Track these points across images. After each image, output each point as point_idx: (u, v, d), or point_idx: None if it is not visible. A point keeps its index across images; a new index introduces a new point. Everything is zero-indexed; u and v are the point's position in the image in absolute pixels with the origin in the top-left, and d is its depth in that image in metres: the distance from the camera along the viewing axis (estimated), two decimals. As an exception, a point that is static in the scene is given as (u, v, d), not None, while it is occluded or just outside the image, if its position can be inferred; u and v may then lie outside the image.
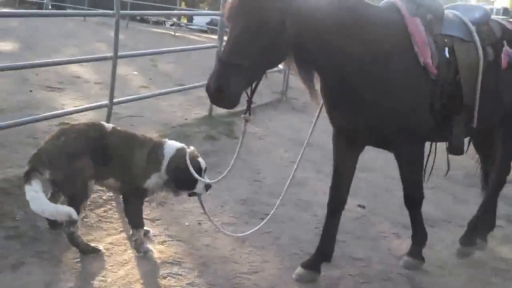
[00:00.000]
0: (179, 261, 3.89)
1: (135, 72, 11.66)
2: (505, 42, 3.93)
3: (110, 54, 5.66)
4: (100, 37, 16.88)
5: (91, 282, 3.49)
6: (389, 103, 3.52)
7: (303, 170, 6.07)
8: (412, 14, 3.59)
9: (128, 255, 3.90)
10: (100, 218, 4.39)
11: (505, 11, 54.47)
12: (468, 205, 5.82)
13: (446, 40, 3.68)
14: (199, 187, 3.94)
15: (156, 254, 3.93)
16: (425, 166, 3.94)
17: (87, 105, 6.37)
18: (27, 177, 3.72)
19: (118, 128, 4.18)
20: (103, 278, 3.55)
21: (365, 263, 4.21)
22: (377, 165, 6.84)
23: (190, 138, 6.54)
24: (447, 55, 3.64)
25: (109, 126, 4.13)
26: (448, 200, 6.09)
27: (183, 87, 8.48)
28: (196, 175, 3.83)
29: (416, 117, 3.63)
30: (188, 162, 3.87)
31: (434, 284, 4.02)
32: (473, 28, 3.83)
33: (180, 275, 3.71)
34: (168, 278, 3.66)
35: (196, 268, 3.83)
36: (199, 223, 4.53)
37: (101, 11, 12.59)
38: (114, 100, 5.82)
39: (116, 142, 3.98)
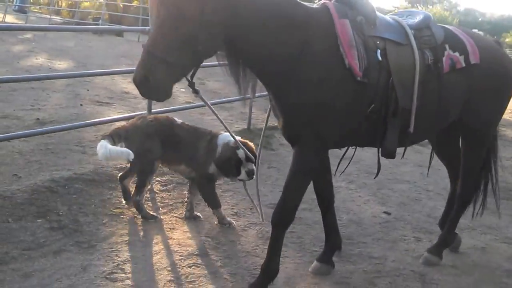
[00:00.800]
0: (205, 254, 4.23)
1: (183, 89, 12.11)
2: (447, 46, 3.86)
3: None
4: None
5: (123, 267, 3.87)
6: (312, 103, 3.39)
7: (336, 180, 6.32)
8: (342, 16, 3.49)
9: (158, 247, 4.26)
10: (135, 215, 4.75)
11: None
12: (496, 215, 5.93)
13: (378, 42, 3.57)
14: (242, 174, 4.57)
15: (184, 248, 4.27)
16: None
17: (126, 115, 6.79)
18: (102, 137, 4.57)
19: (186, 122, 4.90)
20: (135, 265, 3.92)
21: (380, 261, 4.43)
22: (412, 178, 7.05)
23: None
24: (379, 57, 3.53)
25: (178, 120, 4.87)
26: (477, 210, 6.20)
27: (219, 100, 8.88)
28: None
29: (338, 118, 3.49)
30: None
31: (445, 282, 4.20)
32: (410, 31, 3.74)
33: (205, 265, 4.05)
34: (193, 267, 4.00)
35: (219, 260, 4.15)
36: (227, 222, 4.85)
37: (139, 27, 13.16)
38: (152, 111, 6.23)
39: (184, 133, 4.75)
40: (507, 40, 55.81)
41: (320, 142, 3.57)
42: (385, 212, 5.60)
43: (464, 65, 3.89)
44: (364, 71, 3.42)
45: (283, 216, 3.68)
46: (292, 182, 3.63)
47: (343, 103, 3.44)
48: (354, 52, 3.40)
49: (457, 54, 3.89)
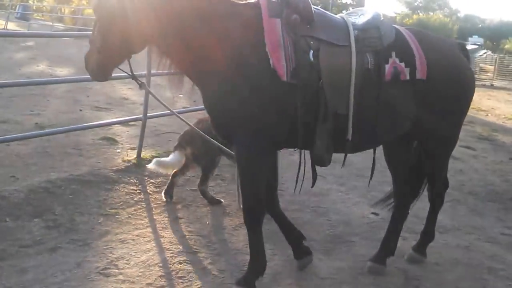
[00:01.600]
0: (195, 251, 4.39)
1: (181, 95, 12.28)
2: (394, 53, 3.60)
3: (144, 72, 6.24)
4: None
5: (116, 263, 4.03)
6: (234, 102, 3.40)
7: (327, 182, 6.50)
8: (274, 14, 3.41)
9: (151, 245, 4.42)
10: (130, 215, 4.93)
11: None
12: (483, 217, 6.08)
13: (312, 42, 3.43)
14: None
15: (175, 246, 4.43)
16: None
17: (123, 118, 6.97)
18: (173, 149, 5.44)
19: None
20: (127, 262, 4.08)
21: (366, 259, 4.55)
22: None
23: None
24: (311, 58, 3.39)
25: None
26: (464, 212, 6.33)
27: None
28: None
29: (259, 119, 3.41)
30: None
31: (427, 278, 4.33)
32: (352, 32, 3.55)
33: (195, 262, 4.20)
34: (184, 264, 4.16)
35: (210, 258, 4.30)
36: (219, 222, 4.99)
37: None
38: (148, 115, 6.40)
39: None
40: (506, 46, 55.99)
41: (255, 141, 3.49)
42: (373, 213, 5.73)
43: (408, 78, 3.65)
44: (292, 72, 3.34)
45: (248, 214, 3.67)
46: (243, 181, 3.67)
47: (271, 104, 3.39)
48: (281, 53, 3.32)
49: (403, 64, 3.64)
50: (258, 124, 3.43)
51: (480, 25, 79.75)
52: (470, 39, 62.12)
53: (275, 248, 4.49)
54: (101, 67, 3.50)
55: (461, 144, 9.95)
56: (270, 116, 3.42)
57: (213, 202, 5.40)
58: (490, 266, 4.70)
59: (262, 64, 3.34)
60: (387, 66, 3.57)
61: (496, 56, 37.83)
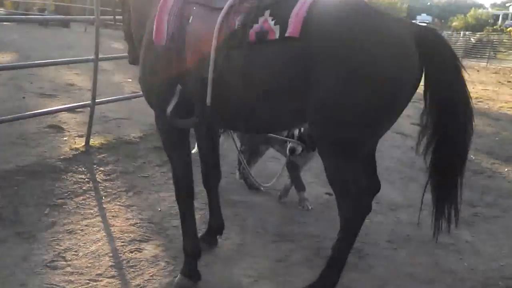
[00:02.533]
0: (147, 239, 4.28)
1: (130, 80, 12.07)
2: (268, 12, 3.08)
3: (92, 57, 6.06)
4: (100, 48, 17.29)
5: (64, 255, 3.90)
6: (142, 74, 3.61)
7: (281, 164, 6.43)
8: None
9: (101, 234, 4.29)
10: (78, 205, 4.78)
11: None
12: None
13: (194, 8, 3.32)
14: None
15: (126, 234, 4.32)
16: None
17: (70, 105, 6.77)
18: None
19: None
20: (75, 253, 3.96)
21: (319, 239, 4.56)
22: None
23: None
24: (190, 23, 3.29)
25: None
26: (415, 188, 6.36)
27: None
28: None
29: (159, 84, 3.44)
30: None
31: (379, 256, 4.36)
32: None
33: (147, 250, 4.11)
34: (135, 252, 4.06)
35: (162, 245, 4.21)
36: (171, 209, 4.90)
37: (83, 16, 13.10)
38: (96, 100, 6.22)
39: None
40: (454, 24, 57.11)
41: (157, 109, 3.57)
42: (327, 193, 5.73)
43: (277, 37, 3.02)
44: (170, 37, 3.29)
45: (175, 190, 3.69)
46: (167, 154, 3.73)
47: (161, 70, 3.38)
48: (165, 19, 3.32)
49: (273, 23, 3.05)
50: (160, 90, 3.47)
51: (428, 3, 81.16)
52: (418, 17, 63.19)
53: (227, 231, 4.42)
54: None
55: (412, 121, 10.07)
56: (163, 83, 3.41)
57: (253, 187, 5.56)
58: (441, 241, 4.74)
59: (150, 33, 3.42)
60: (255, 26, 3.07)
61: (444, 34, 38.55)
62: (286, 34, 2.97)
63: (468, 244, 4.78)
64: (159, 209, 4.85)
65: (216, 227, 4.30)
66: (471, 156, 7.78)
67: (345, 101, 2.93)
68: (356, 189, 3.28)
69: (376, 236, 4.74)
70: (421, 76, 3.09)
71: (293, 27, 2.96)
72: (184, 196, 3.66)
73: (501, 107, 12.87)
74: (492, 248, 4.73)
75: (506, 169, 7.27)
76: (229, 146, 5.49)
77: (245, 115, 3.24)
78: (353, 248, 4.36)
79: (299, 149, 5.08)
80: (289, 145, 5.08)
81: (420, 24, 3.53)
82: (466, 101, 3.21)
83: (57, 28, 22.70)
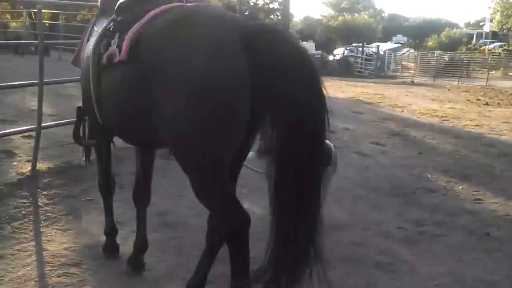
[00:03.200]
0: (78, 263, 4.26)
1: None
2: (117, 35, 3.31)
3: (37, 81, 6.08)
4: (71, 74, 17.29)
5: (-12, 281, 3.87)
6: None
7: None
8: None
9: (31, 259, 4.26)
10: (14, 229, 4.75)
11: (494, 34, 56.52)
12: (383, 212, 6.18)
13: (93, 28, 3.80)
14: None
15: (57, 259, 4.30)
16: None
17: (15, 129, 6.77)
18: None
19: None
20: (1, 278, 3.93)
21: (253, 261, 4.54)
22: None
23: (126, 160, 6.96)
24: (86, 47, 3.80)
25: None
26: (364, 208, 6.38)
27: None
28: None
29: None
30: None
31: (313, 276, 4.35)
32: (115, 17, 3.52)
33: (76, 274, 4.08)
34: (63, 277, 4.03)
35: (92, 269, 4.19)
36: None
37: (26, 41, 13.29)
38: (42, 125, 6.23)
39: None
40: (429, 44, 57.86)
41: None
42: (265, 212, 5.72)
43: (116, 60, 3.22)
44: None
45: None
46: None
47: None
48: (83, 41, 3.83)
49: (115, 45, 3.26)
50: None
51: (405, 24, 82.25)
52: (394, 38, 64.00)
53: (161, 254, 4.42)
54: None
55: (372, 140, 10.18)
56: None
57: None
58: (378, 261, 4.77)
59: None
60: (109, 49, 3.29)
61: (417, 54, 39.11)
62: (119, 59, 3.16)
63: (406, 263, 4.78)
64: (96, 233, 4.83)
65: (139, 246, 4.27)
66: (427, 175, 7.88)
67: (176, 114, 2.88)
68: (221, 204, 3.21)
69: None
70: (254, 78, 2.81)
71: (123, 51, 3.12)
72: (103, 184, 4.39)
73: (466, 125, 12.98)
74: (429, 267, 4.72)
75: (460, 187, 7.32)
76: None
77: (120, 132, 3.62)
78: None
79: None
80: None
81: (256, 21, 3.17)
82: (316, 108, 2.84)
83: (33, 56, 22.66)
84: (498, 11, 53.88)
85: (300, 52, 2.86)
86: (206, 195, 3.17)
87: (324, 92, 2.86)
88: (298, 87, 2.75)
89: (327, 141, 5.07)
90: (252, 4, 50.12)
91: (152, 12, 3.18)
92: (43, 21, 5.94)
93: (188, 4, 3.41)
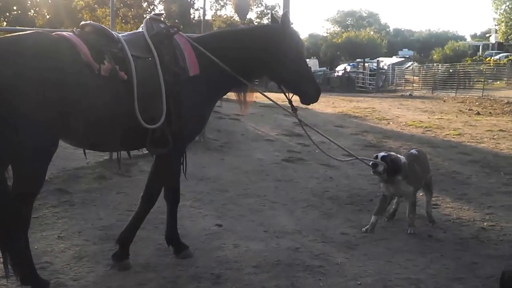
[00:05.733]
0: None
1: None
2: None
3: None
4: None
5: None
6: None
7: (183, 199, 6.51)
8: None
9: None
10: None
11: (500, 45, 56.36)
12: (332, 219, 6.30)
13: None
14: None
15: None
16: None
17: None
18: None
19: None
20: None
21: (184, 268, 4.66)
22: (264, 192, 7.42)
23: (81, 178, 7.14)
24: None
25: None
26: (314, 216, 6.50)
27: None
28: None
29: None
30: None
31: (238, 280, 4.49)
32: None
33: (6, 286, 4.22)
34: (-8, 289, 4.19)
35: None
36: (48, 246, 5.06)
37: None
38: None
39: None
40: (434, 57, 57.79)
41: None
42: (217, 225, 5.86)
43: None
44: None
45: None
46: None
47: None
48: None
49: None
50: None
51: (411, 38, 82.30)
52: (400, 52, 64.16)
53: (94, 265, 4.57)
54: None
55: (344, 153, 10.24)
56: None
57: (412, 225, 5.96)
58: (310, 264, 4.86)
59: None
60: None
61: (420, 67, 39.12)
62: None
63: (338, 265, 4.89)
64: (35, 248, 4.98)
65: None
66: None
67: None
68: None
69: (244, 262, 4.86)
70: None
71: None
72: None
73: (447, 134, 13.06)
74: (358, 269, 4.83)
75: (421, 194, 7.39)
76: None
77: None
78: (213, 274, 4.55)
79: (381, 167, 5.64)
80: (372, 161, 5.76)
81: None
82: None
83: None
84: (502, 22, 53.78)
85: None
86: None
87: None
88: None
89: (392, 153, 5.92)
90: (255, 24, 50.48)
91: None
92: None
93: None
